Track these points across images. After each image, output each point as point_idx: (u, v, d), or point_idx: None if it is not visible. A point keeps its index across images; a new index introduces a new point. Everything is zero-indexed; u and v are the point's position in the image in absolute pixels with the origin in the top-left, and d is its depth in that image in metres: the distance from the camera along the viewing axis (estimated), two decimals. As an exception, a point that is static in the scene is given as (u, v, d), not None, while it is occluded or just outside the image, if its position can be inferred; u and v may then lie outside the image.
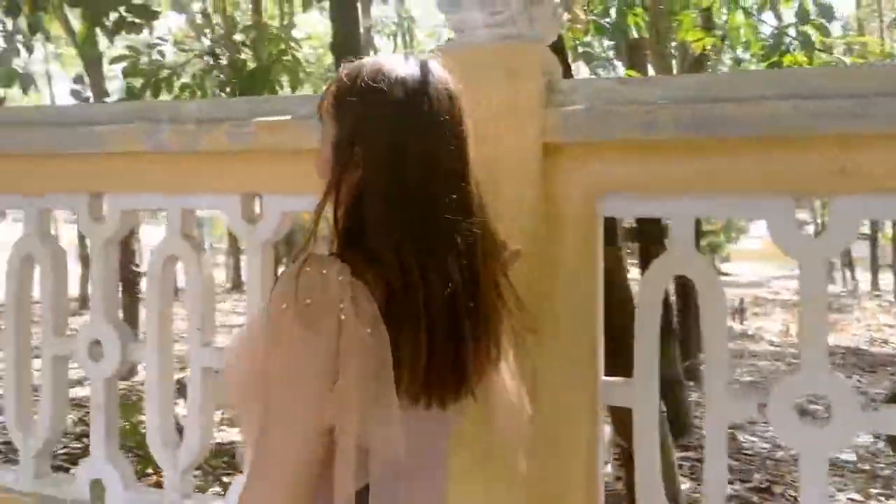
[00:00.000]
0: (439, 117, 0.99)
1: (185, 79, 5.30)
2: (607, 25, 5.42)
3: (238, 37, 5.70)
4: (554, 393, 1.53)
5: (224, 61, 5.51)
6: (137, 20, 3.80)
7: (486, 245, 1.02)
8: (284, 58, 5.36)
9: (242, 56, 5.51)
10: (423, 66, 1.03)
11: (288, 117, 1.73)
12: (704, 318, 1.50)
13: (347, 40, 3.15)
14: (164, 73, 5.04)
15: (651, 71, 6.68)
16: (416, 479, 1.03)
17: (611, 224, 3.06)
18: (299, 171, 1.72)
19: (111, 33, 3.84)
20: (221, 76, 5.15)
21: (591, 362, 1.54)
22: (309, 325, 0.88)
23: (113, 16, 3.73)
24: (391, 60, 1.03)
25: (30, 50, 5.12)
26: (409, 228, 0.94)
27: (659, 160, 1.50)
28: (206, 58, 5.15)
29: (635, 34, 5.61)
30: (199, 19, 6.46)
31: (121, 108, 2.07)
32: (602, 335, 1.58)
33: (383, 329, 0.90)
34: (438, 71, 1.03)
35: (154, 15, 4.08)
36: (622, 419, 2.72)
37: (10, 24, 4.86)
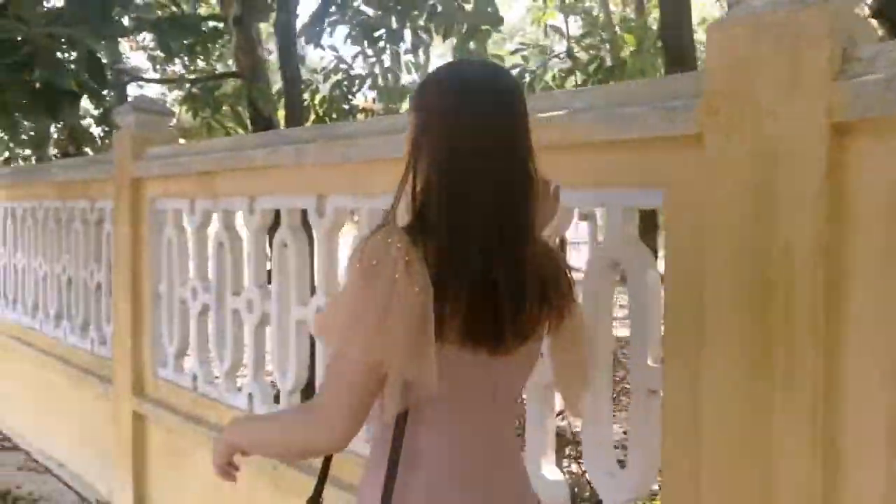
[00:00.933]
0: (491, 116, 1.15)
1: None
2: None
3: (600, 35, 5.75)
4: (841, 424, 1.29)
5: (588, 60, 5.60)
6: (485, 27, 4.09)
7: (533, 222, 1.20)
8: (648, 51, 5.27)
9: (602, 54, 5.54)
10: (486, 70, 1.23)
11: (561, 112, 1.72)
12: None
13: (675, 27, 2.99)
14: (527, 77, 5.32)
15: None
16: (465, 409, 1.21)
17: None
18: (573, 166, 1.71)
19: (465, 40, 4.19)
20: (579, 75, 5.25)
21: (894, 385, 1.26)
22: (371, 280, 1.10)
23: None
24: (460, 66, 1.28)
25: (417, 67, 5.86)
26: (460, 209, 1.13)
27: None
28: (563, 57, 5.30)
29: None
30: (567, 22, 6.65)
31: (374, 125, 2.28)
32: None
33: (429, 288, 1.09)
34: (500, 74, 1.22)
35: (500, 21, 4.33)
36: None
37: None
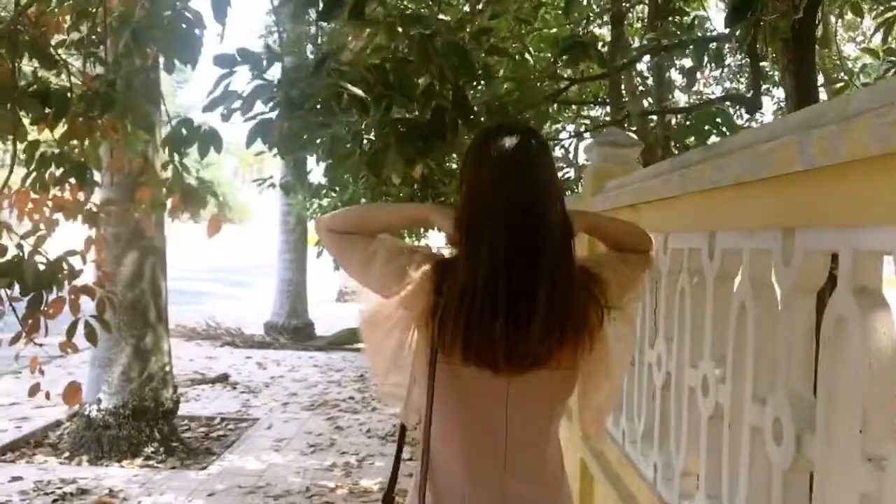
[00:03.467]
0: (504, 177, 1.36)
1: None
2: None
3: None
4: None
5: None
6: None
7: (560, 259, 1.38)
8: None
9: None
10: (510, 133, 1.41)
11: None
12: None
13: None
14: None
15: None
16: (472, 424, 1.40)
17: None
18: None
19: None
20: None
21: None
22: (398, 273, 1.40)
23: None
24: (491, 130, 1.48)
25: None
26: (476, 244, 1.35)
27: None
28: None
29: None
30: None
31: (786, 122, 1.56)
32: None
33: (415, 309, 1.37)
34: (520, 136, 1.40)
35: None
36: None
37: None
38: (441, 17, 2.35)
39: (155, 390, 5.37)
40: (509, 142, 1.37)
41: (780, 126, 1.50)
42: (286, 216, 11.27)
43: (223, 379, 8.03)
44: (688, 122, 4.67)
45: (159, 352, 5.47)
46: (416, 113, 2.33)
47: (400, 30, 2.15)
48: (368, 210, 1.61)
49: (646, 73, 7.38)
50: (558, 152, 6.75)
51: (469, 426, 1.39)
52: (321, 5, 2.17)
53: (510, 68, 3.64)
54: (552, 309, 1.32)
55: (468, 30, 2.50)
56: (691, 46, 4.13)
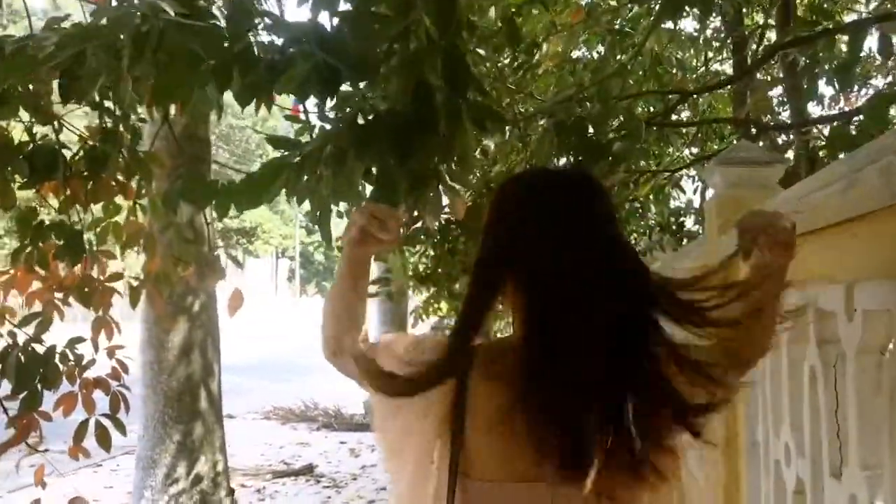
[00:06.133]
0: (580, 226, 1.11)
1: None
2: None
3: None
4: None
5: None
6: None
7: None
8: None
9: None
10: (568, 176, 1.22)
11: None
12: None
13: None
14: None
15: None
16: None
17: None
18: None
19: None
20: None
21: None
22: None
23: None
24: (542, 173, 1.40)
25: None
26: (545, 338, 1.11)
27: None
28: None
29: None
30: None
31: None
32: None
33: (449, 415, 1.10)
34: (563, 183, 1.17)
35: None
36: None
37: None
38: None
39: (203, 494, 4.61)
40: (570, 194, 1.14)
41: None
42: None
43: (308, 470, 7.23)
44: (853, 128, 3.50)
45: (210, 446, 4.73)
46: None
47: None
48: (329, 301, 1.31)
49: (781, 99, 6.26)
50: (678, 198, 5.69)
51: None
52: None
53: (588, 72, 2.71)
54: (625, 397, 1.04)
55: None
56: (845, 34, 3.04)
